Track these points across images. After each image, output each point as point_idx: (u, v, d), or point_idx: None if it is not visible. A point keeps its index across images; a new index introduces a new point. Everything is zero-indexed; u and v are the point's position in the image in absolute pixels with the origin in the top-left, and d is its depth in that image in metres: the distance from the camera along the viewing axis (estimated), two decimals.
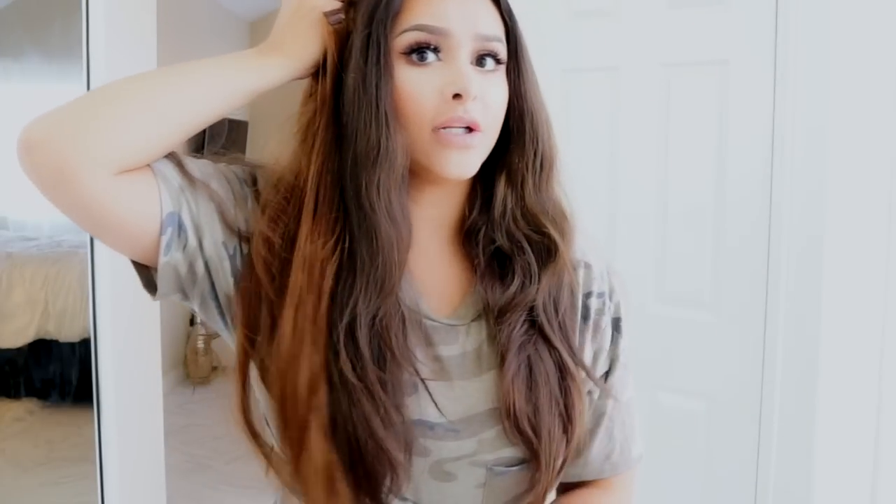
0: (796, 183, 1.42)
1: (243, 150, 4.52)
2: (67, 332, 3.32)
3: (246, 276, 0.66)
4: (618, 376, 0.78)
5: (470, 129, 0.65)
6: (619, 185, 1.67)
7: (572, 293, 0.73)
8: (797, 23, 1.40)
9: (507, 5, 0.69)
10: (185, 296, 0.68)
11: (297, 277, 0.63)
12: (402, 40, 0.65)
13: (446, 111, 0.64)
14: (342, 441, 0.62)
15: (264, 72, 0.65)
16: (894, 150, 1.38)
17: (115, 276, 1.95)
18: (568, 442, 0.69)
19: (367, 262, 0.64)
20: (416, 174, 0.67)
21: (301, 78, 0.68)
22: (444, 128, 0.64)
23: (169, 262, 0.64)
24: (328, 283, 0.64)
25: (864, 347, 1.41)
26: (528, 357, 0.68)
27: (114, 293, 1.97)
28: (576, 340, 0.72)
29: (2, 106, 4.19)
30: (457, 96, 0.63)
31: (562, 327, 0.71)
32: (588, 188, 1.72)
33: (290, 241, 0.65)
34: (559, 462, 0.69)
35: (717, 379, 1.56)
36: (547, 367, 0.69)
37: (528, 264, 0.70)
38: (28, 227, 4.27)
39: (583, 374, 0.72)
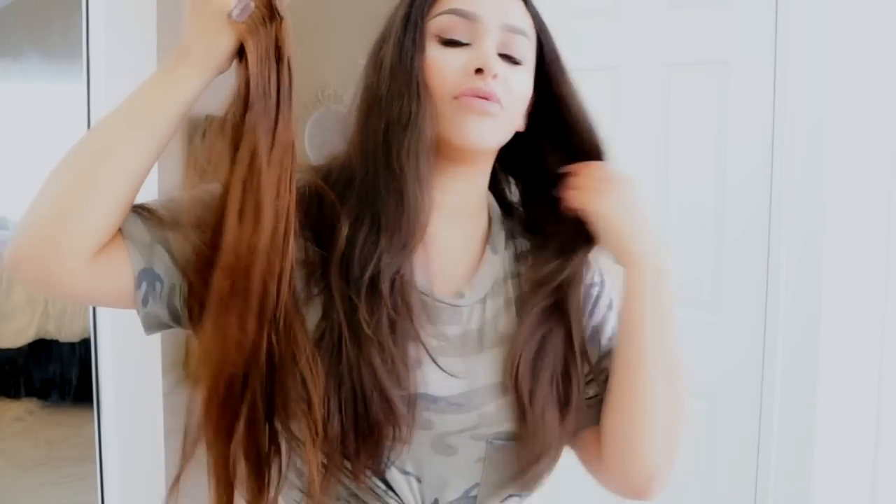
0: (796, 183, 1.42)
1: None
2: (67, 332, 3.31)
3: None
4: None
5: (489, 100, 0.68)
6: None
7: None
8: (797, 23, 1.40)
9: (535, 9, 0.75)
10: (180, 326, 0.69)
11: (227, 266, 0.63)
12: (437, 23, 0.70)
13: (467, 81, 0.68)
14: (348, 395, 0.65)
15: (179, 89, 0.63)
16: (894, 150, 1.38)
17: None
18: (562, 422, 0.72)
19: (392, 221, 0.68)
20: (439, 152, 0.71)
21: (223, 72, 0.67)
22: (464, 95, 0.68)
23: (149, 312, 0.66)
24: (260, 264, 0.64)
25: (864, 347, 1.41)
26: (543, 335, 0.73)
27: None
28: (587, 329, 0.78)
29: (2, 106, 4.20)
30: (479, 71, 0.68)
31: (579, 312, 0.75)
32: None
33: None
34: (551, 440, 0.71)
35: (717, 379, 1.56)
36: (557, 347, 0.73)
37: (566, 244, 0.75)
38: None
39: (586, 367, 0.76)
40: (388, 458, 0.67)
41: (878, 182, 1.40)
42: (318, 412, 0.64)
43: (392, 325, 0.67)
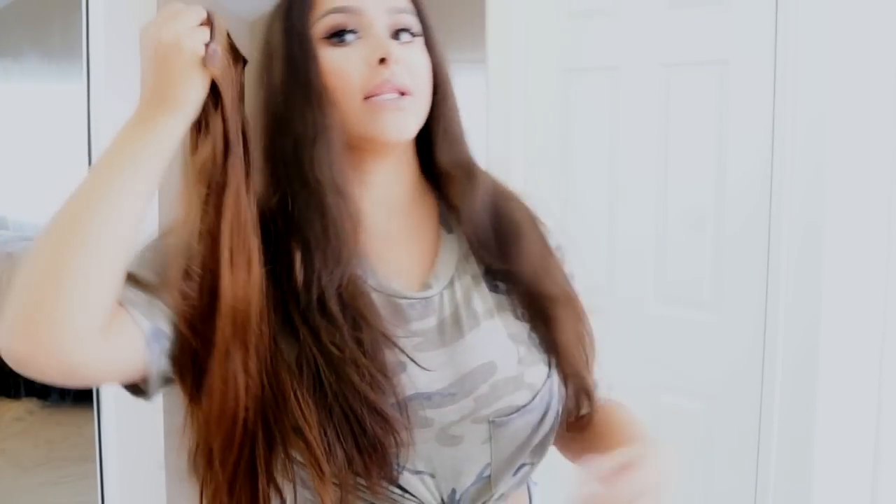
0: (796, 183, 1.42)
1: None
2: None
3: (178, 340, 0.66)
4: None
5: (401, 94, 0.69)
6: (619, 185, 1.67)
7: (545, 237, 0.81)
8: (797, 23, 1.40)
9: None
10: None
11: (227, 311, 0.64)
12: (321, 25, 0.70)
13: (374, 78, 0.68)
14: (341, 420, 0.65)
15: (164, 140, 0.61)
16: (894, 149, 1.38)
17: None
18: (589, 364, 0.78)
19: (321, 237, 0.68)
20: (360, 149, 0.71)
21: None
22: (374, 96, 0.68)
23: (159, 371, 0.65)
24: (256, 302, 0.65)
25: (864, 347, 1.41)
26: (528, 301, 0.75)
27: None
28: (561, 271, 0.80)
29: (2, 106, 4.20)
30: (381, 61, 0.68)
31: (548, 266, 0.78)
32: (588, 188, 1.73)
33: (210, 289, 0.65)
34: (590, 380, 0.77)
35: (716, 379, 1.56)
36: (551, 301, 0.75)
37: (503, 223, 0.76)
38: (28, 227, 4.28)
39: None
40: (398, 465, 0.67)
41: (878, 182, 1.40)
42: (319, 450, 0.64)
43: (357, 340, 0.66)
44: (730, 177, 1.52)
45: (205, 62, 0.61)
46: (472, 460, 0.71)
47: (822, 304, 1.40)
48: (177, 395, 0.68)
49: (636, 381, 1.66)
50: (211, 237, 0.64)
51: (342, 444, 0.65)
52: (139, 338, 0.63)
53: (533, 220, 0.81)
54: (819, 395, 1.40)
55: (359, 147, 0.72)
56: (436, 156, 0.76)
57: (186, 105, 0.62)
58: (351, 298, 0.68)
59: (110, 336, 0.60)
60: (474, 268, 0.77)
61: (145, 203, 0.61)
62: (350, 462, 0.65)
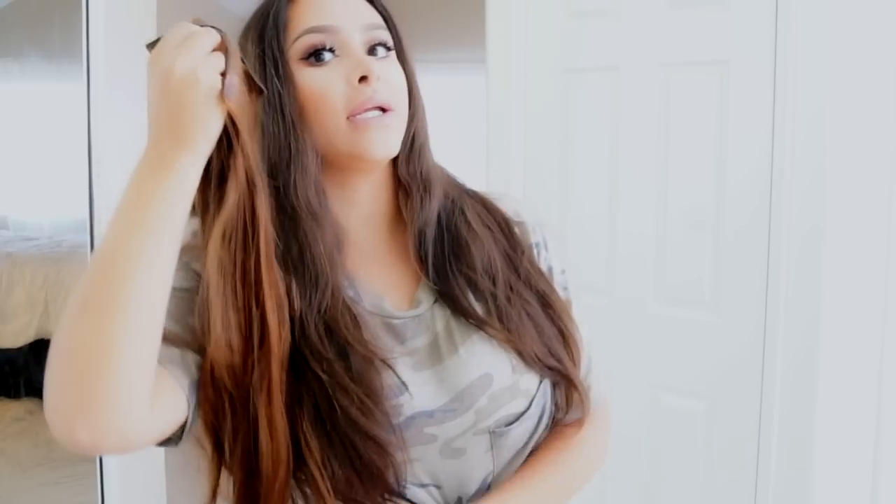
0: (796, 183, 1.42)
1: None
2: None
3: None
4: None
5: (383, 111, 0.69)
6: (619, 185, 1.67)
7: (518, 241, 0.79)
8: (797, 23, 1.40)
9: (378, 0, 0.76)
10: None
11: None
12: (297, 47, 0.69)
13: (356, 97, 0.68)
14: (339, 447, 0.64)
15: (186, 180, 0.56)
16: (894, 149, 1.38)
17: None
18: (574, 360, 0.76)
19: (298, 263, 0.68)
20: (344, 167, 0.71)
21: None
22: (358, 114, 0.68)
23: (192, 422, 0.64)
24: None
25: (864, 347, 1.41)
26: (511, 310, 0.74)
27: None
28: (543, 275, 0.79)
29: (2, 106, 4.20)
30: (363, 79, 0.68)
31: (523, 271, 0.77)
32: (588, 188, 1.73)
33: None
34: (577, 376, 0.76)
35: (717, 379, 1.56)
36: (532, 306, 0.75)
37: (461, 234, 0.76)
38: (28, 227, 4.28)
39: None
40: (399, 482, 0.67)
41: (878, 181, 1.40)
42: (320, 476, 0.64)
43: (345, 365, 0.66)
44: (730, 177, 1.52)
45: (222, 95, 0.57)
46: (475, 469, 0.72)
47: (822, 304, 1.40)
48: None
49: (636, 381, 1.66)
50: (248, 281, 0.62)
51: (343, 469, 0.65)
52: (181, 396, 0.62)
53: (499, 226, 0.79)
54: (819, 395, 1.40)
55: (343, 165, 0.71)
56: (397, 167, 0.75)
57: (204, 143, 0.57)
58: (334, 323, 0.67)
59: (156, 399, 0.58)
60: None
61: (175, 253, 0.57)
62: (351, 486, 0.65)
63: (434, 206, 0.75)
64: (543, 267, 0.81)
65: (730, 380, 1.54)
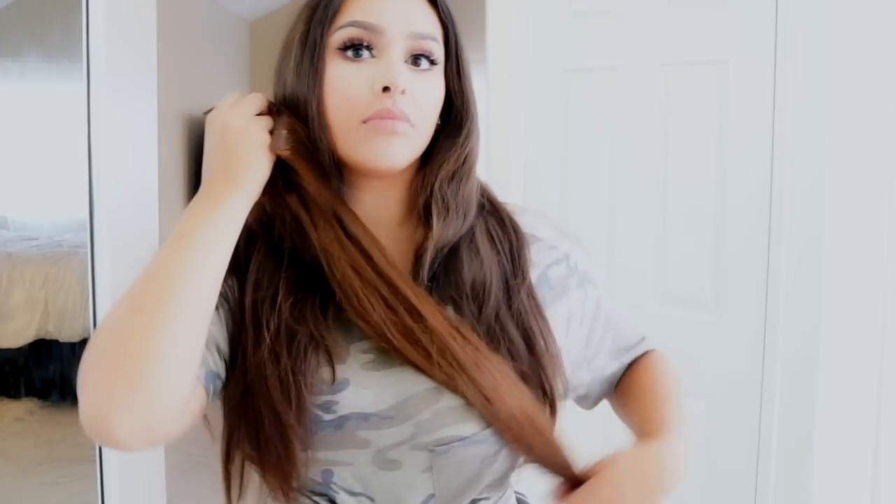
0: (796, 183, 1.42)
1: None
2: (67, 332, 3.32)
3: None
4: (603, 309, 0.83)
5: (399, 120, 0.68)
6: (619, 185, 1.67)
7: (523, 268, 0.75)
8: (797, 23, 1.40)
9: (446, 6, 0.72)
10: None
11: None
12: (338, 36, 0.68)
13: (375, 104, 0.67)
14: (249, 416, 0.66)
15: (236, 217, 0.65)
16: (894, 150, 1.38)
17: (114, 275, 1.95)
18: (552, 410, 0.73)
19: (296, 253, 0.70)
20: (354, 170, 0.71)
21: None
22: (371, 119, 0.67)
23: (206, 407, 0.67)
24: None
25: (864, 347, 1.41)
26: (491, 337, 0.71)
27: (114, 293, 1.96)
28: (539, 312, 0.74)
29: (2, 106, 4.20)
30: (386, 89, 0.66)
31: (516, 303, 0.73)
32: (588, 188, 1.73)
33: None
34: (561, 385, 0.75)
35: (717, 379, 1.56)
36: (514, 346, 0.71)
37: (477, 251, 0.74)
38: (28, 227, 4.28)
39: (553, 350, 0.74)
40: (297, 476, 0.67)
41: (878, 182, 1.40)
42: (227, 441, 0.69)
43: (290, 336, 0.67)
44: (730, 177, 1.52)
45: (270, 147, 0.67)
46: (411, 488, 0.69)
47: (823, 305, 1.40)
48: None
49: None
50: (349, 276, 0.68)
51: (249, 442, 0.67)
52: (201, 388, 0.65)
53: (510, 246, 0.76)
54: (819, 395, 1.40)
55: (353, 168, 0.71)
56: (421, 183, 0.73)
57: (253, 183, 0.66)
58: (306, 297, 0.69)
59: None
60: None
61: (222, 271, 0.64)
62: (251, 460, 0.67)
63: (460, 230, 0.73)
64: (572, 281, 0.79)
65: (730, 380, 1.54)
